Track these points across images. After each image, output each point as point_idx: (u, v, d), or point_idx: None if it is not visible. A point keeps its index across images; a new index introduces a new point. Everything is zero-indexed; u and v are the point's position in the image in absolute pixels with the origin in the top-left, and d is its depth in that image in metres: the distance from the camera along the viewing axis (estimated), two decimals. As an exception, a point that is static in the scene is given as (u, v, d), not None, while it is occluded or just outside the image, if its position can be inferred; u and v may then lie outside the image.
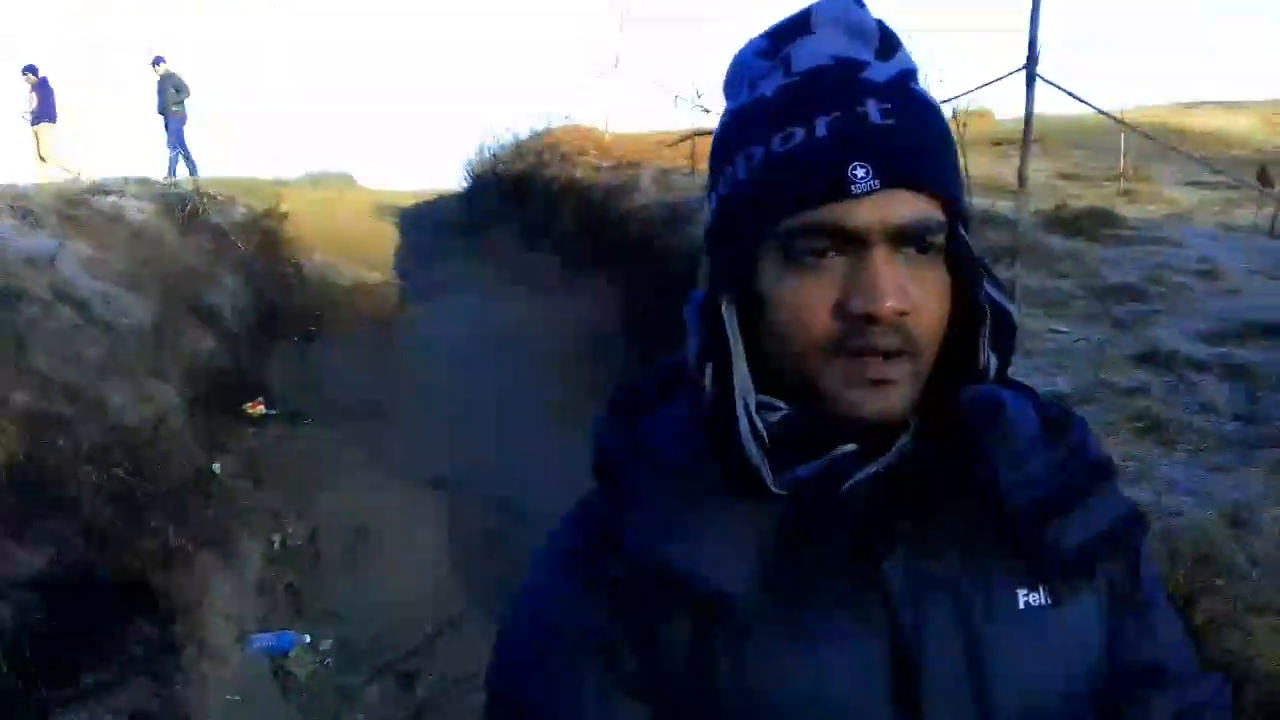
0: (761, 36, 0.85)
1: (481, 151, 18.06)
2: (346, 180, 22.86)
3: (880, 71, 0.79)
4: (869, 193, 0.75)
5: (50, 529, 4.47)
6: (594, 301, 10.24)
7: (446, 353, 9.78)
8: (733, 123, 0.84)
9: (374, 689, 4.88)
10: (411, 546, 6.11)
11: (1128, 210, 8.25)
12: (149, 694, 4.13)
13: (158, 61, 13.89)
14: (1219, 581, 2.67)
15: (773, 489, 0.80)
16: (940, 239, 0.78)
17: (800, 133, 0.77)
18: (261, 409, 8.22)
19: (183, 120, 14.03)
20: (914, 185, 0.76)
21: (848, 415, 0.78)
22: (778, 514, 0.82)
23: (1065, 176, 12.23)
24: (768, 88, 0.81)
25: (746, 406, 0.81)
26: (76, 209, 8.15)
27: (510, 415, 8.16)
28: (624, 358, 8.65)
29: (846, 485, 0.80)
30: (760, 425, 0.81)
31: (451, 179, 19.21)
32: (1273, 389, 4.07)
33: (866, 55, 0.80)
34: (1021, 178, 5.19)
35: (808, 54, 0.80)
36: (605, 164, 12.67)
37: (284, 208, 13.99)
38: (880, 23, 0.83)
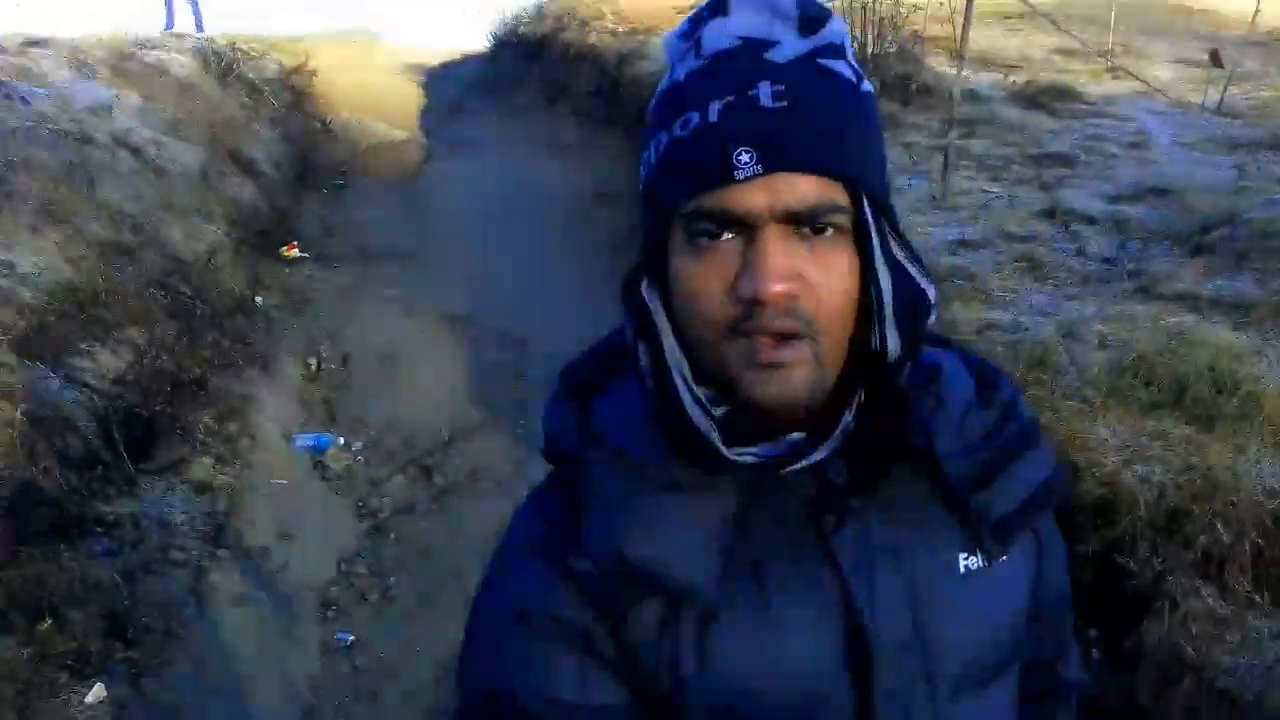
0: (687, 18, 0.86)
1: (505, 13, 18.31)
2: (372, 38, 23.00)
3: (788, 50, 0.79)
4: (753, 177, 0.76)
5: (128, 338, 5.33)
6: (609, 159, 10.77)
7: (467, 204, 10.48)
8: (656, 105, 0.86)
9: (399, 479, 5.78)
10: (432, 371, 6.95)
11: (1099, 86, 8.75)
12: (213, 472, 5.04)
13: None
14: (1044, 377, 3.45)
15: (727, 455, 0.82)
16: (841, 219, 0.79)
17: (696, 118, 0.79)
18: (296, 251, 8.99)
19: None
20: (803, 168, 0.77)
21: (747, 399, 0.81)
22: (732, 499, 0.85)
23: (1062, 52, 12.53)
24: (681, 71, 0.83)
25: (686, 383, 0.83)
26: (126, 62, 8.82)
27: (526, 262, 8.89)
28: (631, 211, 9.32)
29: (789, 469, 0.83)
30: (701, 395, 0.83)
31: (477, 40, 19.50)
32: (1140, 238, 4.80)
33: (780, 33, 0.80)
34: (960, 56, 5.75)
35: (717, 36, 0.81)
36: (620, 29, 13.08)
37: (312, 64, 14.51)
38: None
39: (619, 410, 0.89)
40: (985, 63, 9.93)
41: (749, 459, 0.82)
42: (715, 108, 0.77)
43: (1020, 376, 3.45)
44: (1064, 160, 6.59)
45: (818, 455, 0.83)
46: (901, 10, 8.54)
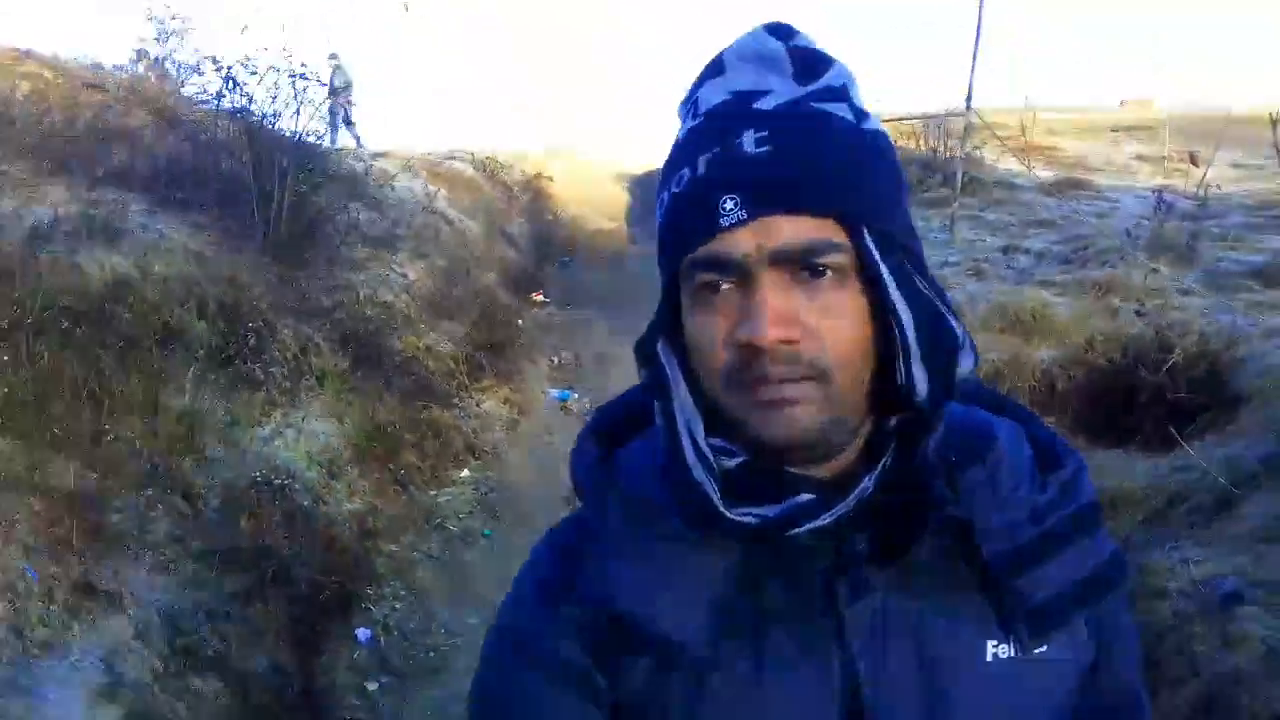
0: (692, 84, 0.86)
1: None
2: (579, 154, 27.58)
3: (775, 97, 0.79)
4: (740, 223, 0.75)
5: (462, 319, 9.24)
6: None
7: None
8: (662, 171, 0.86)
9: (610, 415, 9.48)
10: (627, 364, 10.62)
11: (1115, 180, 11.95)
12: (510, 395, 8.81)
13: (332, 57, 15.23)
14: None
15: (725, 514, 0.80)
16: (839, 259, 0.77)
17: (687, 173, 0.79)
18: (541, 297, 12.95)
19: (348, 106, 15.57)
20: (789, 208, 0.75)
21: (755, 440, 0.79)
22: (735, 559, 0.83)
23: (1140, 158, 15.54)
24: (681, 133, 0.84)
25: (694, 442, 0.82)
26: (438, 168, 13.16)
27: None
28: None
29: (795, 531, 0.80)
30: (710, 456, 0.82)
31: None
32: (1046, 258, 8.13)
33: (775, 84, 0.80)
34: (958, 165, 9.15)
35: (711, 93, 0.82)
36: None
37: (547, 173, 18.91)
38: (796, 47, 0.82)
39: (639, 459, 0.90)
40: (1051, 161, 13.20)
41: (750, 520, 0.80)
42: (703, 160, 0.78)
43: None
44: (1043, 224, 9.86)
45: (826, 519, 0.79)
46: (975, 122, 12.02)
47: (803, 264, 0.76)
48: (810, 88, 0.80)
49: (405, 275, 9.12)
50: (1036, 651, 0.84)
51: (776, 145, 0.77)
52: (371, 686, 5.11)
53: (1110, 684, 0.91)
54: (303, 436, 6.25)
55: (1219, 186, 9.98)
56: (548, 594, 0.88)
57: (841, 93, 0.81)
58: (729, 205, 0.76)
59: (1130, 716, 0.94)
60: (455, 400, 8.09)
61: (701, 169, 0.78)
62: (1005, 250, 8.61)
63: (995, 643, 0.82)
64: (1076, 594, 0.84)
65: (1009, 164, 12.61)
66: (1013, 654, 0.83)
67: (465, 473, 7.41)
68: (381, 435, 6.92)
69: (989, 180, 11.06)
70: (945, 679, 0.81)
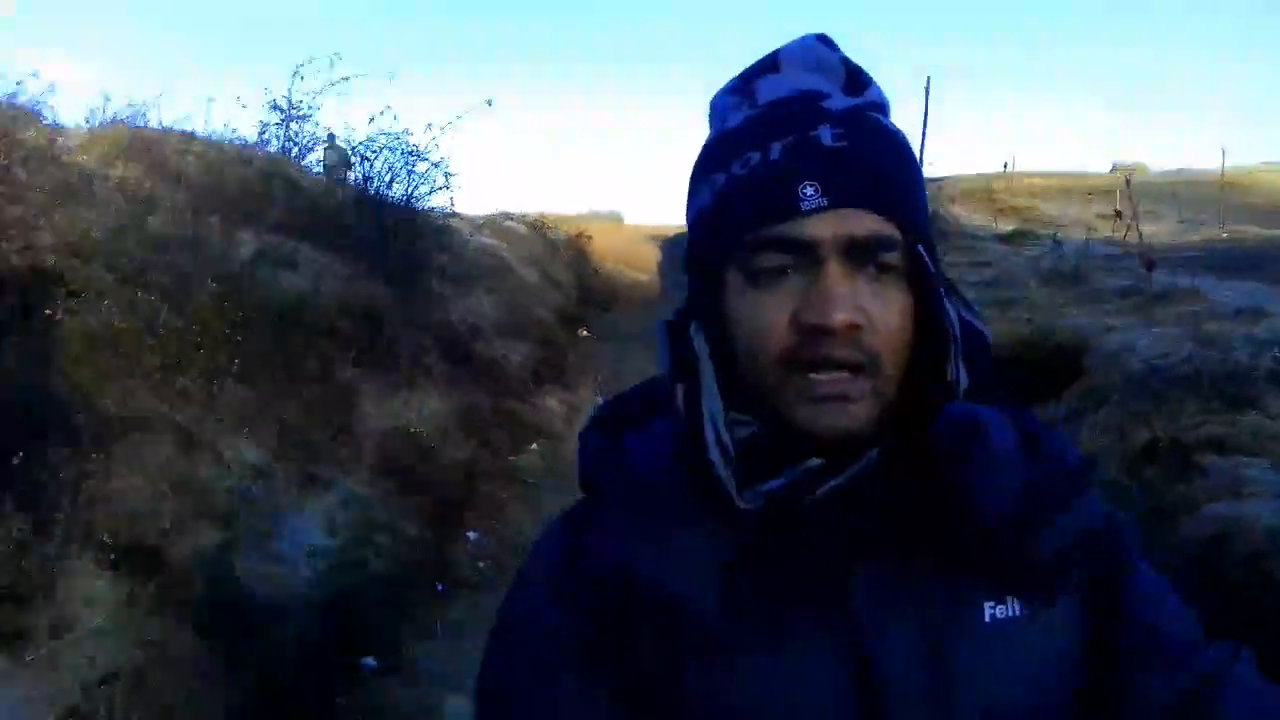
0: (735, 78, 0.89)
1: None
2: (616, 217, 30.33)
3: (841, 101, 0.83)
4: (818, 209, 0.78)
5: (529, 339, 11.72)
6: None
7: (685, 313, 16.85)
8: (702, 155, 0.88)
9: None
10: (661, 380, 13.09)
11: (1061, 232, 14.39)
12: (565, 397, 11.25)
13: (330, 138, 14.26)
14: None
15: (740, 505, 0.82)
16: (896, 258, 0.80)
17: (757, 156, 0.81)
18: (585, 333, 15.47)
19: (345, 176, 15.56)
20: (864, 204, 0.78)
21: (805, 430, 0.80)
22: (746, 531, 0.83)
23: (1102, 217, 17.98)
24: (735, 119, 0.86)
25: (715, 427, 0.83)
26: (495, 225, 15.81)
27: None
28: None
29: (809, 499, 0.82)
30: (729, 443, 0.83)
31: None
32: (990, 282, 10.48)
33: (831, 89, 0.84)
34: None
35: (771, 88, 0.85)
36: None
37: (587, 233, 21.57)
38: (847, 60, 0.87)
39: (648, 446, 0.91)
40: (1024, 218, 15.67)
41: (760, 504, 0.82)
42: (777, 147, 0.80)
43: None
44: (985, 264, 12.19)
45: (828, 486, 0.82)
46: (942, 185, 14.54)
47: (869, 257, 0.79)
48: (860, 99, 0.84)
49: (482, 304, 11.64)
50: (1039, 609, 0.85)
51: (852, 143, 0.80)
52: (481, 564, 7.46)
53: (1141, 636, 0.88)
54: (424, 408, 8.70)
55: (1141, 237, 12.40)
56: (558, 573, 0.89)
57: (885, 109, 0.87)
58: (809, 191, 0.78)
59: (1163, 657, 0.86)
60: (525, 397, 10.55)
61: (776, 154, 0.80)
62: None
63: (992, 604, 0.85)
64: (1073, 555, 0.85)
65: (981, 220, 15.14)
66: (1013, 613, 0.85)
67: (534, 446, 9.81)
68: (474, 415, 9.35)
69: (953, 233, 13.58)
70: (948, 644, 0.83)
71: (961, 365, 0.83)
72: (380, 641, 6.05)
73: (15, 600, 4.59)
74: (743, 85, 0.87)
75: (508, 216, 16.77)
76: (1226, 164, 21.73)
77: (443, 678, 5.75)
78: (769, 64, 0.87)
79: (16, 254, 5.93)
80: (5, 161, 6.45)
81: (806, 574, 0.82)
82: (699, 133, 0.92)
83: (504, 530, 8.05)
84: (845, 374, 0.78)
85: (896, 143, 0.84)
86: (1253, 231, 16.75)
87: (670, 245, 24.16)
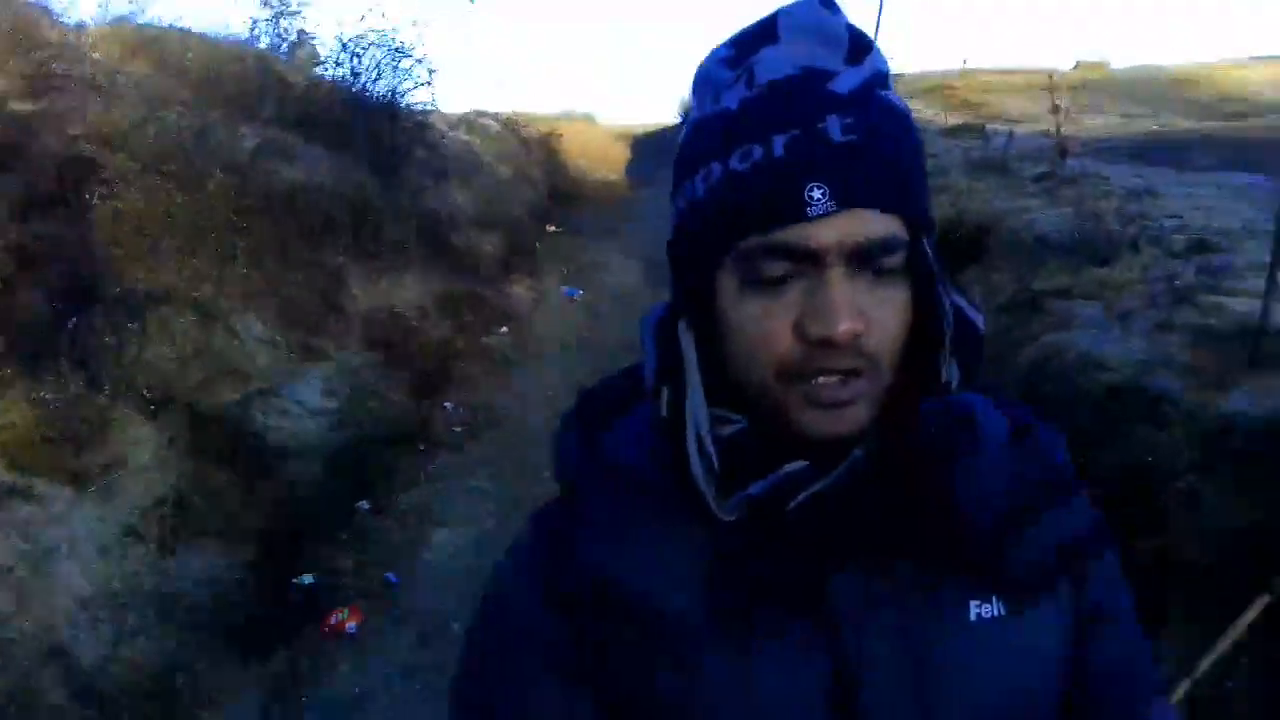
0: (726, 44, 0.84)
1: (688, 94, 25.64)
2: (589, 118, 30.80)
3: (847, 80, 0.78)
4: (826, 215, 0.74)
5: (500, 228, 12.63)
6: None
7: (652, 211, 17.65)
8: (696, 134, 0.83)
9: (604, 305, 12.78)
10: (624, 273, 14.01)
11: (1007, 127, 15.43)
12: (533, 285, 12.22)
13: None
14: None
15: (720, 516, 0.81)
16: (900, 257, 0.77)
17: (759, 151, 0.76)
18: (554, 228, 16.35)
19: None
20: (873, 205, 0.75)
21: (804, 435, 0.79)
22: (726, 532, 0.81)
23: (1054, 110, 18.69)
24: (731, 100, 0.80)
25: (699, 435, 0.81)
26: (470, 123, 16.53)
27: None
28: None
29: (793, 503, 0.80)
30: (713, 453, 0.81)
31: (671, 116, 26.81)
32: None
33: (834, 63, 0.79)
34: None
35: (772, 64, 0.79)
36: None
37: (558, 132, 22.23)
38: (850, 26, 0.81)
39: (625, 443, 0.89)
40: (977, 114, 16.61)
41: (740, 515, 0.81)
42: (780, 141, 0.75)
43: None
44: (932, 155, 13.15)
45: (811, 491, 0.80)
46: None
47: (873, 259, 0.76)
48: (866, 71, 0.79)
49: (457, 198, 12.50)
50: (1024, 610, 0.85)
51: (862, 136, 0.75)
52: (457, 429, 8.54)
53: (1112, 650, 0.90)
54: (406, 292, 9.66)
55: (1059, 130, 13.51)
56: (535, 573, 0.87)
57: (888, 79, 0.81)
58: (816, 195, 0.73)
59: (1129, 684, 0.91)
60: (497, 285, 11.52)
61: (780, 150, 0.75)
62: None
63: (978, 602, 0.83)
64: (1058, 558, 0.85)
65: (933, 115, 16.02)
66: (997, 613, 0.84)
67: (504, 329, 10.83)
68: (450, 299, 10.33)
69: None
70: (930, 644, 0.82)
71: (954, 362, 0.83)
72: (373, 489, 7.15)
73: (75, 442, 5.60)
74: (738, 56, 0.82)
75: (482, 114, 17.45)
76: (1207, 58, 23.42)
77: (427, 516, 6.89)
78: (767, 30, 0.81)
79: (57, 141, 6.77)
80: (41, 56, 7.22)
81: (786, 577, 0.81)
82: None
83: (475, 401, 9.10)
84: (845, 379, 0.77)
85: (904, 126, 0.80)
86: (1183, 125, 18.01)
87: (638, 144, 24.86)
